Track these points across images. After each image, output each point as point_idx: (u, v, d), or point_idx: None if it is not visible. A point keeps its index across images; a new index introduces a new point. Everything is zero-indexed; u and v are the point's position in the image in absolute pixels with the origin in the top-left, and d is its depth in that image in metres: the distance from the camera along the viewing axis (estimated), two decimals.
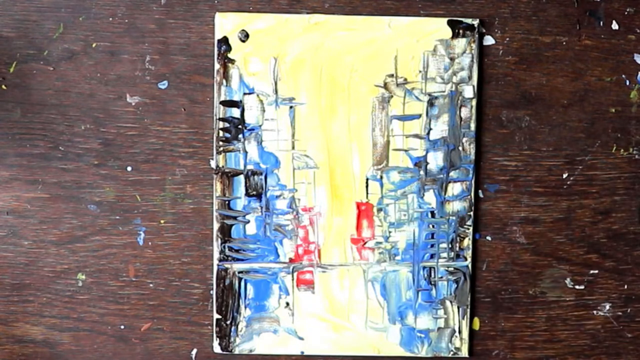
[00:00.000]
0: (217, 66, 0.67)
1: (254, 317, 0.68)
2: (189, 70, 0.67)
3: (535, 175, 0.69)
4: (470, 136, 0.67)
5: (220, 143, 0.67)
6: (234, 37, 0.66)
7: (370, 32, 0.67)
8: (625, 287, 0.70)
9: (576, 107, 0.68)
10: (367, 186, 0.68)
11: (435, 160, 0.68)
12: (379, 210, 0.68)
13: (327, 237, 0.68)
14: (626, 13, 0.68)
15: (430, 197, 0.68)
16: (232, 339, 0.69)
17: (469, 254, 0.68)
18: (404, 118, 0.67)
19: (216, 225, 0.68)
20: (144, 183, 0.68)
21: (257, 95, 0.67)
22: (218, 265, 0.68)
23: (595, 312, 0.70)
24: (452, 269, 0.68)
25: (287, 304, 0.68)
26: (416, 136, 0.68)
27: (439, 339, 0.69)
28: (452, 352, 0.69)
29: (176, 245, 0.69)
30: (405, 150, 0.67)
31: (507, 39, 0.68)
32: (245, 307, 0.68)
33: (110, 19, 0.67)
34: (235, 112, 0.67)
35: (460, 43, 0.67)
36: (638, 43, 0.68)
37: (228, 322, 0.68)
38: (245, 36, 0.66)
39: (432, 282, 0.68)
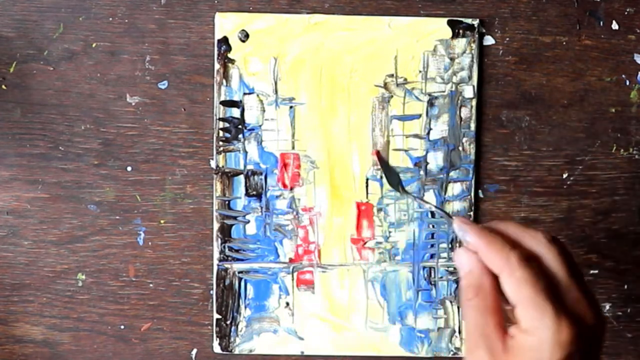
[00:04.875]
0: (217, 66, 0.67)
1: (254, 317, 0.68)
2: (189, 70, 0.67)
3: (535, 175, 0.69)
4: (470, 136, 0.67)
5: (220, 143, 0.67)
6: (234, 37, 0.66)
7: (370, 32, 0.67)
8: (625, 287, 0.70)
9: (576, 107, 0.68)
10: (367, 186, 0.68)
11: (435, 160, 0.68)
12: (379, 210, 0.68)
13: (327, 237, 0.68)
14: (626, 13, 0.68)
15: (430, 197, 0.68)
16: (232, 339, 0.69)
17: None
18: (404, 118, 0.67)
19: (216, 225, 0.68)
20: (144, 183, 0.68)
21: (257, 95, 0.67)
22: (218, 265, 0.68)
23: None
24: (452, 269, 0.68)
25: (287, 304, 0.68)
26: (416, 136, 0.68)
27: (439, 339, 0.69)
28: (452, 352, 0.69)
29: (176, 245, 0.69)
30: (405, 150, 0.67)
31: (507, 39, 0.68)
32: (245, 307, 0.68)
33: (110, 19, 0.67)
34: (235, 112, 0.67)
35: (460, 43, 0.67)
36: (638, 43, 0.68)
37: (228, 322, 0.68)
38: (245, 36, 0.66)
39: (432, 282, 0.68)
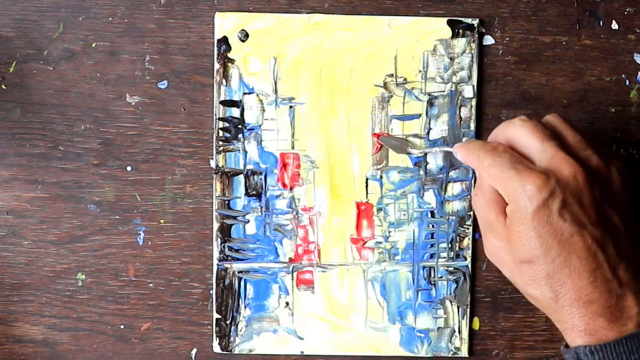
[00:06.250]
0: (217, 66, 0.67)
1: (254, 317, 0.68)
2: (189, 70, 0.67)
3: None
4: (470, 136, 0.67)
5: (220, 143, 0.67)
6: (234, 37, 0.67)
7: (370, 32, 0.67)
8: None
9: (576, 107, 0.68)
10: (367, 186, 0.68)
11: (435, 160, 0.68)
12: (379, 210, 0.68)
13: (327, 237, 0.68)
14: (626, 13, 0.68)
15: (430, 197, 0.68)
16: (232, 339, 0.69)
17: (469, 254, 0.68)
18: (404, 118, 0.67)
19: (216, 225, 0.68)
20: (144, 183, 0.68)
21: (257, 95, 0.67)
22: (218, 265, 0.68)
23: None
24: (452, 269, 0.68)
25: (287, 304, 0.68)
26: (416, 136, 0.68)
27: (439, 339, 0.69)
28: (452, 352, 0.69)
29: (176, 245, 0.69)
30: None
31: (507, 39, 0.68)
32: (245, 307, 0.68)
33: (110, 19, 0.67)
34: (235, 112, 0.67)
35: (460, 43, 0.67)
36: (638, 43, 0.68)
37: (228, 322, 0.68)
38: (245, 36, 0.67)
39: (432, 282, 0.68)
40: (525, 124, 0.56)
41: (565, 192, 0.53)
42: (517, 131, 0.57)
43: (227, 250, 0.68)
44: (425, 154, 0.67)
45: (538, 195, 0.53)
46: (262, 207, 0.68)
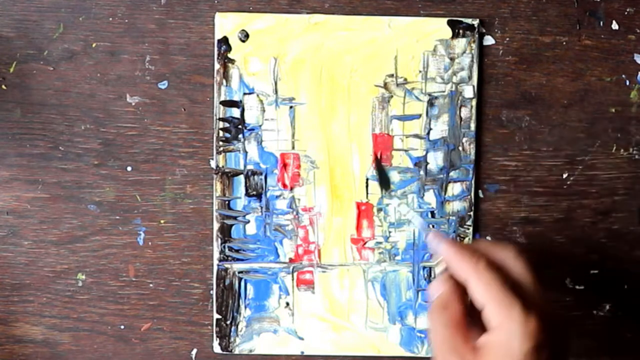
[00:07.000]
0: (217, 66, 0.67)
1: (254, 317, 0.68)
2: (189, 70, 0.67)
3: (535, 175, 0.69)
4: (470, 136, 0.67)
5: (220, 143, 0.67)
6: (234, 37, 0.67)
7: (370, 32, 0.67)
8: (625, 287, 0.70)
9: (576, 107, 0.68)
10: (367, 186, 0.68)
11: (435, 160, 0.68)
12: (379, 210, 0.68)
13: (327, 237, 0.68)
14: (626, 13, 0.68)
15: (430, 197, 0.68)
16: (232, 339, 0.69)
17: None
18: (404, 118, 0.67)
19: (216, 225, 0.68)
20: (144, 183, 0.68)
21: (257, 95, 0.67)
22: (218, 265, 0.68)
23: (595, 312, 0.70)
24: None
25: (287, 304, 0.68)
26: (416, 136, 0.68)
27: None
28: None
29: (176, 245, 0.69)
30: (405, 150, 0.67)
31: (507, 39, 0.68)
32: (245, 307, 0.68)
33: (110, 19, 0.67)
34: (235, 112, 0.67)
35: (460, 43, 0.67)
36: (638, 43, 0.68)
37: (228, 322, 0.68)
38: (245, 36, 0.67)
39: None
40: (520, 257, 0.54)
41: (555, 337, 0.52)
42: (510, 262, 0.54)
43: (227, 250, 0.68)
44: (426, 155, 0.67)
45: (537, 337, 0.51)
46: (262, 207, 0.68)
